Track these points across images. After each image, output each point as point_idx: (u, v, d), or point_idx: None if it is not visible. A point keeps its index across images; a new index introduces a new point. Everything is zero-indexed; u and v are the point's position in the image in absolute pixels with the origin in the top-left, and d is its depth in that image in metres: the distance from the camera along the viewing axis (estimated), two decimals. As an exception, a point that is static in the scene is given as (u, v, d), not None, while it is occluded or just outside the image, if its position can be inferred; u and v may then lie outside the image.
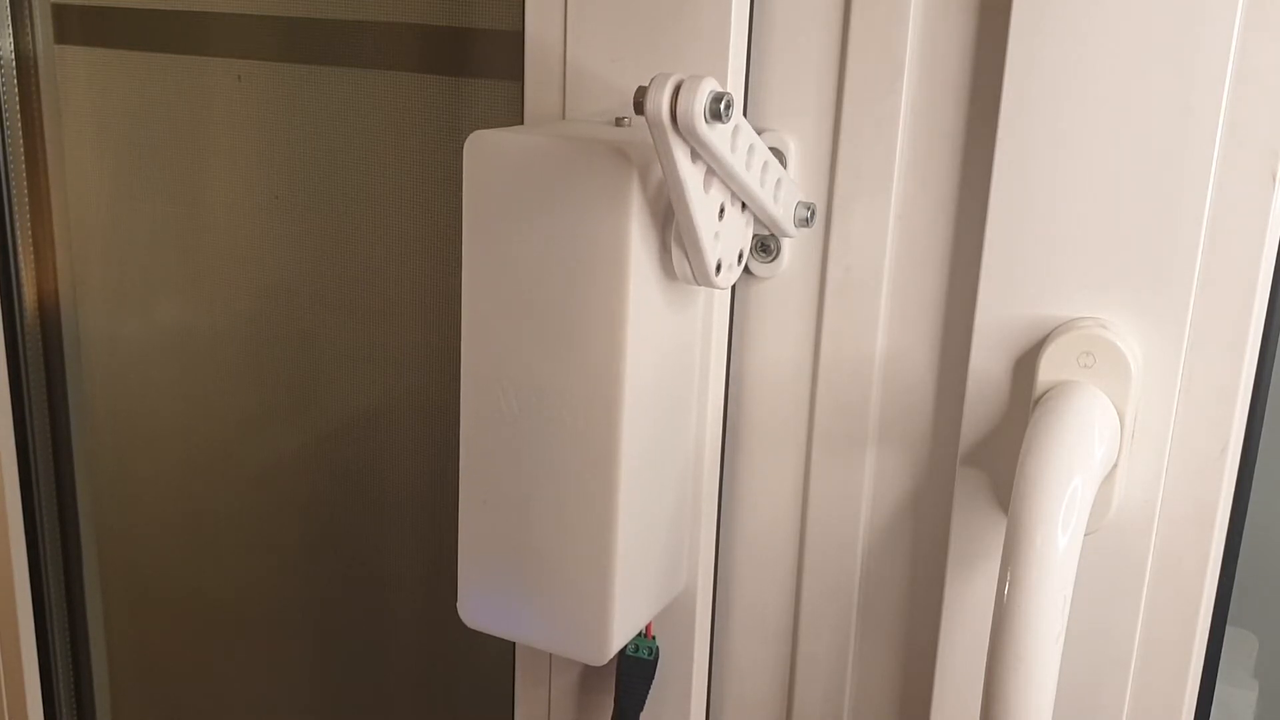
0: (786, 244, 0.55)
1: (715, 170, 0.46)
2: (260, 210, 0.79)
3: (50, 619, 0.91)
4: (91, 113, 0.82)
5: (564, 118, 0.56)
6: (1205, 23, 0.45)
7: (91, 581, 0.93)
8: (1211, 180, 0.46)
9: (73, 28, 0.82)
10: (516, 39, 0.57)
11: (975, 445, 0.52)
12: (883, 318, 0.54)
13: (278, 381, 0.82)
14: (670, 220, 0.48)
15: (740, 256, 0.51)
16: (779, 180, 0.51)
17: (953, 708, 0.55)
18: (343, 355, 0.79)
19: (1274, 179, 0.46)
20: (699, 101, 0.41)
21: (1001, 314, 0.50)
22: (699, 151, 0.44)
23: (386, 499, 0.81)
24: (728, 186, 0.48)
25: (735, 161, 0.46)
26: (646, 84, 0.42)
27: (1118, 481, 0.49)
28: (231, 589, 0.89)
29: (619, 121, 0.53)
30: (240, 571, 0.88)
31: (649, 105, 0.42)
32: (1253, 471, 0.50)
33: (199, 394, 0.85)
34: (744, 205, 0.50)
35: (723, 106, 0.42)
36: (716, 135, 0.43)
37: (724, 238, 0.49)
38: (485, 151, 0.50)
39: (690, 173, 0.44)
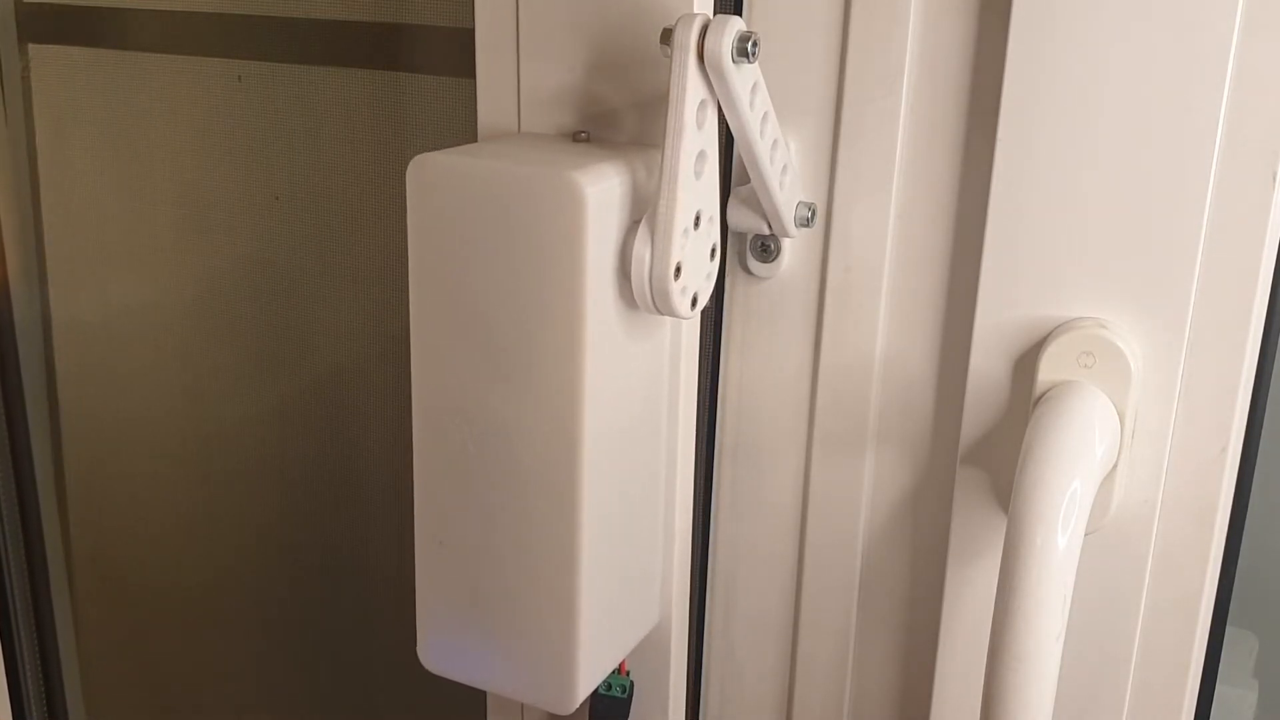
0: (786, 244, 0.55)
1: (728, 119, 0.45)
2: (251, 207, 0.79)
3: (15, 614, 0.91)
4: (63, 110, 0.83)
5: (520, 131, 0.53)
6: (1205, 23, 0.45)
7: (57, 572, 0.93)
8: (1211, 180, 0.46)
9: (45, 27, 0.83)
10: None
11: (975, 445, 0.52)
12: (883, 318, 0.54)
13: (255, 371, 0.82)
14: (631, 238, 0.46)
15: (695, 300, 0.48)
16: (785, 166, 0.50)
17: (953, 707, 0.55)
18: (325, 349, 0.79)
19: (1274, 179, 0.46)
20: (727, 36, 0.42)
21: (1001, 314, 0.50)
22: (718, 91, 0.44)
23: (367, 497, 0.80)
24: (736, 142, 0.47)
25: (752, 120, 0.45)
26: (672, 25, 0.42)
27: (1118, 481, 0.49)
28: (203, 580, 0.89)
29: (577, 136, 0.50)
30: (213, 562, 0.88)
31: (677, 37, 0.42)
32: (1253, 471, 0.50)
33: (172, 386, 0.85)
34: (713, 250, 0.48)
35: (749, 45, 0.42)
36: (741, 76, 0.43)
37: (691, 243, 0.46)
38: (431, 177, 0.46)
39: (692, 136, 0.44)
